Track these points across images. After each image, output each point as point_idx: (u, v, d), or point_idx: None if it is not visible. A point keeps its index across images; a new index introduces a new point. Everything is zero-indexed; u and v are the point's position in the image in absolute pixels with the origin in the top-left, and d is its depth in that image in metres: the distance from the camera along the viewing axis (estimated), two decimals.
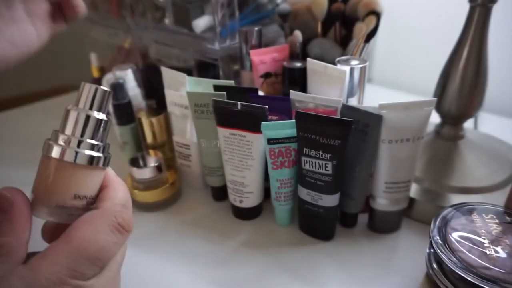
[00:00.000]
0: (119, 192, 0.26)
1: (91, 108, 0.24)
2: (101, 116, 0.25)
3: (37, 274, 0.21)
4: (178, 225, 0.49)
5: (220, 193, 0.53)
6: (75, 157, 0.23)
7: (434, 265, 0.34)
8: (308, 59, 0.46)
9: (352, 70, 0.43)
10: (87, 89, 0.24)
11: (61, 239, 0.22)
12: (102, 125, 0.25)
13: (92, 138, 0.24)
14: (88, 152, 0.24)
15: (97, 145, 0.25)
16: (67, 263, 0.21)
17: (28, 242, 0.23)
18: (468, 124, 0.52)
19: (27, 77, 1.88)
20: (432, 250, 0.34)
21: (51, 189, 0.24)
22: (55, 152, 0.23)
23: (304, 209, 0.44)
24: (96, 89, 0.24)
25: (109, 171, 0.27)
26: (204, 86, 0.49)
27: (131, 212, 0.26)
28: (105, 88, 0.24)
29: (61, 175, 0.24)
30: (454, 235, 0.33)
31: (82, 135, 0.24)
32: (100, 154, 0.25)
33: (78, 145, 0.24)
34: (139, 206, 0.51)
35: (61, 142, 0.24)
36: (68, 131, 0.24)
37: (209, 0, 0.56)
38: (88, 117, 0.24)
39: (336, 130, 0.38)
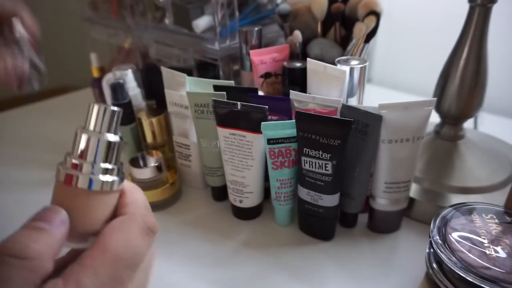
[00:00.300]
0: (138, 195, 0.26)
1: (108, 130, 0.23)
2: (114, 138, 0.23)
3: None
4: (178, 225, 0.49)
5: (220, 193, 0.53)
6: (90, 183, 0.23)
7: (434, 265, 0.34)
8: (308, 59, 0.46)
9: (352, 70, 0.43)
10: (96, 110, 0.23)
11: (96, 248, 0.22)
12: (116, 147, 0.24)
13: (107, 162, 0.23)
14: (104, 178, 0.23)
15: (112, 168, 0.24)
16: (108, 272, 0.21)
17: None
18: (468, 124, 0.52)
19: None
20: (432, 250, 0.34)
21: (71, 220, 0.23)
22: (74, 181, 0.22)
23: (304, 209, 0.44)
24: (105, 110, 0.23)
25: None
26: (204, 86, 0.49)
27: (153, 214, 0.26)
28: (115, 108, 0.23)
29: (80, 202, 0.23)
30: (454, 235, 0.33)
31: (105, 160, 0.23)
32: (115, 178, 0.24)
33: (95, 171, 0.23)
34: None
35: (82, 169, 0.23)
36: (90, 157, 0.23)
37: (209, 0, 0.56)
38: (102, 142, 0.23)
39: (336, 130, 0.38)
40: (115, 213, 0.25)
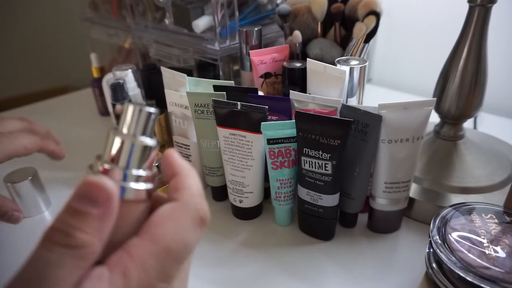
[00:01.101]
0: (193, 180, 0.23)
1: (143, 132, 0.21)
2: (150, 142, 0.21)
3: (129, 280, 0.19)
4: None
5: (220, 193, 0.53)
6: (122, 191, 0.20)
7: (434, 265, 0.34)
8: (308, 59, 0.46)
9: (351, 70, 0.43)
10: (131, 110, 0.21)
11: (144, 239, 0.20)
12: (151, 151, 0.22)
13: (141, 167, 0.21)
14: (137, 186, 0.21)
15: (147, 175, 0.22)
16: (156, 266, 0.19)
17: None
18: (468, 124, 0.52)
19: (27, 77, 1.88)
20: (431, 250, 0.34)
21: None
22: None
23: (304, 209, 0.44)
24: (141, 111, 0.21)
25: (175, 155, 0.23)
26: (204, 86, 0.49)
27: (206, 202, 0.23)
28: (152, 110, 0.21)
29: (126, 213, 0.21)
30: (454, 235, 0.33)
31: (139, 166, 0.21)
32: (149, 185, 0.22)
33: (128, 178, 0.21)
34: None
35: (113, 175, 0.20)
36: (122, 162, 0.21)
37: (209, 0, 0.56)
38: (137, 145, 0.21)
39: (336, 130, 0.38)
40: (171, 181, 0.22)
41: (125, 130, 0.21)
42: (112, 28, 0.75)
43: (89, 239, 0.18)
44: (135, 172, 0.21)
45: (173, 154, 0.23)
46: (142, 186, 0.21)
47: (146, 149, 0.21)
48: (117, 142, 0.21)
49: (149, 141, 0.21)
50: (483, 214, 0.36)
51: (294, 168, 0.43)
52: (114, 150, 0.21)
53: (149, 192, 0.22)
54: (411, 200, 0.46)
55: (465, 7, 0.45)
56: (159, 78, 0.53)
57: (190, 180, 0.23)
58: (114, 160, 0.21)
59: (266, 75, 0.52)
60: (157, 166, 0.50)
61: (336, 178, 0.40)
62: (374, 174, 0.43)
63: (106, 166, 0.20)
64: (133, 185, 0.21)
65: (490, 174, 0.48)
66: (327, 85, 0.45)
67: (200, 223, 0.22)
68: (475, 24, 0.44)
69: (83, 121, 0.78)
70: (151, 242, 0.20)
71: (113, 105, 0.58)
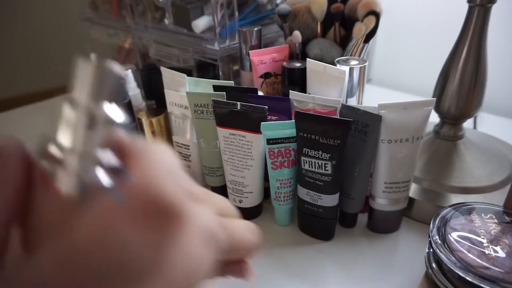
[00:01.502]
0: (153, 154, 0.16)
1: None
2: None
3: None
4: None
5: (220, 193, 0.52)
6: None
7: (434, 265, 0.34)
8: (308, 59, 0.46)
9: (351, 70, 0.43)
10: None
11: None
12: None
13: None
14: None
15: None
16: None
17: None
18: (468, 124, 0.52)
19: (27, 77, 1.88)
20: (431, 250, 0.34)
21: None
22: None
23: (304, 209, 0.44)
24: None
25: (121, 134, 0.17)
26: (203, 86, 0.49)
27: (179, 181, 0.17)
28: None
29: None
30: (453, 235, 0.33)
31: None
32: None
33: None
34: None
35: None
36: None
37: (209, 0, 0.56)
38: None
39: (336, 130, 0.38)
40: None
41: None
42: (112, 28, 0.75)
43: None
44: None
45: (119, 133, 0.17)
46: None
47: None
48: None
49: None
50: (483, 214, 0.36)
51: (294, 168, 0.43)
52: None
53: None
54: (411, 200, 0.46)
55: (464, 7, 0.45)
56: (159, 78, 0.53)
57: (145, 157, 0.16)
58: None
59: (266, 75, 0.52)
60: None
61: (336, 178, 0.40)
62: (374, 174, 0.43)
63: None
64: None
65: (490, 174, 0.48)
66: (327, 85, 0.45)
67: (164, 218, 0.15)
68: (475, 24, 0.44)
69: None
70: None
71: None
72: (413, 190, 0.47)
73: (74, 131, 0.15)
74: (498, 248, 0.32)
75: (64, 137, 0.15)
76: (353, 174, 0.42)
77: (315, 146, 0.40)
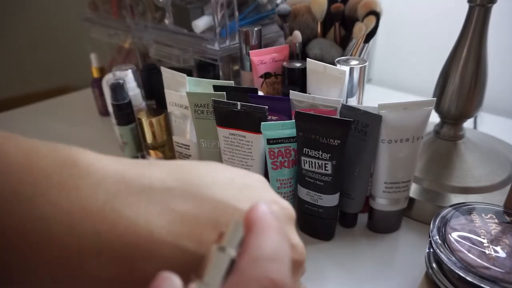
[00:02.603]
0: (265, 237, 0.18)
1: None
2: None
3: None
4: None
5: None
6: None
7: (434, 265, 0.34)
8: (308, 59, 0.46)
9: (351, 70, 0.43)
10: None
11: None
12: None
13: None
14: None
15: None
16: None
17: None
18: (468, 124, 0.52)
19: (27, 77, 1.88)
20: (431, 250, 0.34)
21: None
22: None
23: (304, 209, 0.44)
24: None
25: (259, 207, 0.19)
26: (204, 86, 0.49)
27: (286, 265, 0.17)
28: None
29: None
30: (454, 235, 0.33)
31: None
32: None
33: None
34: None
35: None
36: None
37: (209, 0, 0.56)
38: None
39: (336, 130, 0.38)
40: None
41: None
42: (112, 28, 0.75)
43: None
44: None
45: (256, 206, 0.19)
46: None
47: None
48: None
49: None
50: (483, 214, 0.36)
51: (294, 168, 0.43)
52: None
53: None
54: (411, 200, 0.46)
55: (465, 7, 0.45)
56: (159, 78, 0.53)
57: (259, 237, 0.17)
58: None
59: (266, 75, 0.52)
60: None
61: (336, 178, 0.40)
62: (374, 174, 0.43)
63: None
64: None
65: (490, 174, 0.48)
66: (327, 85, 0.45)
67: None
68: (475, 24, 0.44)
69: (83, 121, 0.78)
70: None
71: (113, 105, 0.58)
72: (413, 190, 0.47)
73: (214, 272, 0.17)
74: (498, 248, 0.32)
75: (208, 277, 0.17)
76: (353, 174, 0.42)
77: (315, 146, 0.39)
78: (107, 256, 0.17)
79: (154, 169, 0.20)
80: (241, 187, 0.21)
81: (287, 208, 0.22)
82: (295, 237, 0.21)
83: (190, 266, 0.18)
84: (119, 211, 0.18)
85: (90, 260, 0.17)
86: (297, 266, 0.21)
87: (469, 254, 0.31)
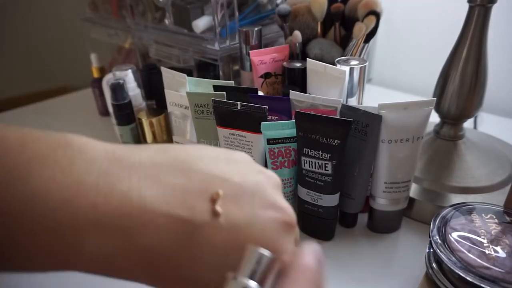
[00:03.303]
0: (307, 259, 0.19)
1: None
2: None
3: None
4: None
5: None
6: None
7: (434, 265, 0.34)
8: (308, 59, 0.46)
9: (351, 70, 0.43)
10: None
11: None
12: None
13: None
14: None
15: None
16: None
17: None
18: (468, 124, 0.52)
19: (27, 77, 1.88)
20: (431, 250, 0.34)
21: None
22: None
23: (304, 209, 0.44)
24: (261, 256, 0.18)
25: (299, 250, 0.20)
26: (204, 86, 0.49)
27: None
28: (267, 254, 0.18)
29: None
30: (454, 235, 0.33)
31: None
32: None
33: None
34: None
35: None
36: None
37: (209, 0, 0.56)
38: None
39: (336, 130, 0.38)
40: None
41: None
42: (112, 28, 0.75)
43: None
44: None
45: (304, 254, 0.20)
46: None
47: None
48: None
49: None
50: (483, 214, 0.36)
51: (294, 168, 0.43)
52: None
53: None
54: (411, 200, 0.46)
55: (465, 7, 0.45)
56: (159, 78, 0.53)
57: (301, 259, 0.19)
58: None
59: (266, 75, 0.52)
60: None
61: (336, 178, 0.40)
62: (374, 174, 0.43)
63: None
64: None
65: (490, 174, 0.48)
66: (327, 85, 0.45)
67: None
68: (475, 24, 0.44)
69: (83, 121, 0.78)
70: None
71: (113, 105, 0.58)
72: (413, 190, 0.47)
73: None
74: (498, 248, 0.32)
75: None
76: (353, 174, 0.42)
77: (315, 146, 0.40)
78: (103, 229, 0.18)
79: (141, 150, 0.21)
80: (228, 161, 0.22)
81: (273, 176, 0.23)
82: (282, 201, 0.22)
83: (187, 235, 0.19)
84: (112, 184, 0.18)
85: (87, 235, 0.17)
86: (288, 228, 0.22)
87: (469, 254, 0.31)
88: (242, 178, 0.21)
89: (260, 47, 0.54)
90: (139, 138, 0.60)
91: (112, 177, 0.18)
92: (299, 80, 0.49)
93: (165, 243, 0.18)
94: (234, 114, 0.42)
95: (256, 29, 0.52)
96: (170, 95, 0.51)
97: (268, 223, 0.20)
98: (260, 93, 0.48)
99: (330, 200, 0.42)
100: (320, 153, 0.39)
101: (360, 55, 0.49)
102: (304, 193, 0.43)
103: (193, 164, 0.21)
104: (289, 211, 0.22)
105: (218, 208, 0.19)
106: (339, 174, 0.40)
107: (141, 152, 0.20)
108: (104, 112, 0.78)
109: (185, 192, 0.19)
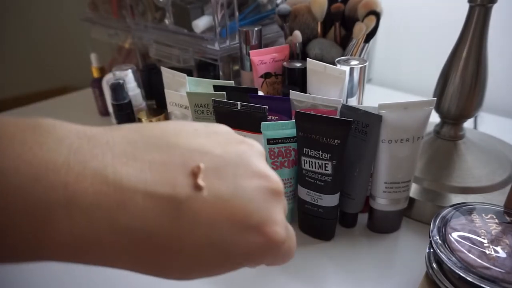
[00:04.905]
0: None
1: None
2: None
3: None
4: None
5: None
6: None
7: (434, 265, 0.34)
8: (308, 59, 0.46)
9: (351, 70, 0.43)
10: None
11: None
12: None
13: None
14: None
15: None
16: None
17: None
18: (468, 124, 0.52)
19: (27, 77, 1.89)
20: (431, 250, 0.34)
21: None
22: None
23: (304, 209, 0.44)
24: None
25: None
26: (204, 86, 0.49)
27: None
28: None
29: None
30: (454, 235, 0.33)
31: None
32: None
33: None
34: None
35: None
36: None
37: (209, 0, 0.56)
38: None
39: (336, 130, 0.38)
40: None
41: None
42: (112, 28, 0.75)
43: None
44: None
45: None
46: None
47: None
48: None
49: None
50: (483, 214, 0.36)
51: (294, 168, 0.43)
52: None
53: None
54: (411, 200, 0.46)
55: (465, 7, 0.45)
56: (159, 78, 0.53)
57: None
58: None
59: (266, 75, 0.52)
60: None
61: (336, 178, 0.40)
62: (374, 174, 0.43)
63: None
64: None
65: (490, 174, 0.48)
66: (327, 85, 0.45)
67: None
68: (475, 24, 0.44)
69: (83, 121, 0.77)
70: None
71: (113, 105, 0.58)
72: (413, 190, 0.47)
73: None
74: (498, 248, 0.32)
75: None
76: (353, 174, 0.42)
77: (315, 146, 0.39)
78: (76, 207, 0.17)
79: (114, 129, 0.20)
80: (207, 135, 0.21)
81: (255, 145, 0.23)
82: (267, 168, 0.22)
83: (170, 212, 0.18)
84: (84, 162, 0.17)
85: (59, 214, 0.16)
86: (276, 195, 0.21)
87: (469, 254, 0.31)
88: (224, 149, 0.20)
89: (260, 47, 0.54)
90: None
91: (84, 155, 0.17)
92: (299, 80, 0.49)
93: (148, 222, 0.18)
94: (234, 114, 0.42)
95: (256, 29, 0.52)
96: (170, 95, 0.51)
97: (255, 192, 0.20)
98: (260, 93, 0.48)
99: (330, 200, 0.42)
100: (320, 153, 0.39)
101: (360, 55, 0.49)
102: (304, 193, 0.43)
103: (170, 140, 0.20)
104: (275, 178, 0.21)
105: (200, 181, 0.18)
106: (339, 174, 0.40)
107: (113, 131, 0.19)
108: (104, 112, 0.78)
109: (164, 168, 0.18)
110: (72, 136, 0.18)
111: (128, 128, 0.20)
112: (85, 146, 0.18)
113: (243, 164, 0.20)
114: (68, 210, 0.16)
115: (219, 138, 0.21)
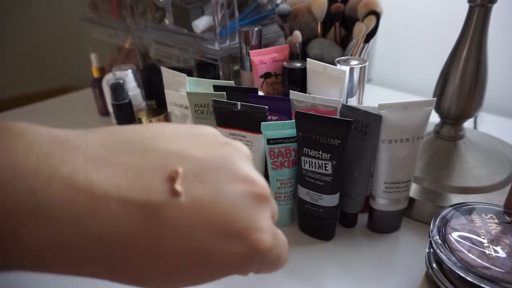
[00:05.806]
0: None
1: None
2: None
3: None
4: None
5: None
6: None
7: (434, 265, 0.34)
8: (308, 59, 0.46)
9: (351, 70, 0.43)
10: None
11: None
12: None
13: None
14: None
15: None
16: None
17: None
18: (468, 124, 0.52)
19: (27, 77, 1.89)
20: (431, 250, 0.34)
21: None
22: None
23: (304, 209, 0.44)
24: None
25: None
26: (204, 86, 0.49)
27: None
28: None
29: None
30: (454, 235, 0.33)
31: None
32: None
33: None
34: None
35: None
36: None
37: (209, 0, 0.56)
38: None
39: (336, 130, 0.38)
40: None
41: None
42: (112, 28, 0.76)
43: None
44: None
45: None
46: None
47: None
48: None
49: None
50: (483, 214, 0.36)
51: (294, 168, 0.43)
52: None
53: None
54: (411, 200, 0.46)
55: (465, 7, 0.45)
56: (159, 78, 0.53)
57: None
58: None
59: (266, 75, 0.52)
60: None
61: (336, 178, 0.40)
62: (374, 174, 0.43)
63: None
64: None
65: (490, 174, 0.48)
66: (327, 85, 0.45)
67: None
68: (475, 24, 0.44)
69: (83, 121, 0.78)
70: None
71: (113, 105, 0.58)
72: (413, 190, 0.47)
73: None
74: (498, 248, 0.32)
75: None
76: (353, 174, 0.42)
77: (315, 146, 0.40)
78: (44, 214, 0.16)
79: (89, 133, 0.19)
80: (188, 137, 0.20)
81: (241, 148, 0.21)
82: (253, 172, 0.21)
83: (145, 220, 0.17)
84: (53, 168, 0.16)
85: (25, 221, 0.16)
86: (261, 201, 0.20)
87: (469, 254, 0.31)
88: (205, 152, 0.19)
89: (260, 47, 0.54)
90: None
91: (55, 160, 0.16)
92: (299, 80, 0.49)
93: (120, 229, 0.17)
94: (234, 114, 0.42)
95: (256, 29, 0.52)
96: (170, 95, 0.51)
97: (238, 197, 0.19)
98: (260, 93, 0.48)
99: (330, 200, 0.42)
100: (320, 153, 0.39)
101: (360, 55, 0.49)
102: (304, 193, 0.43)
103: (148, 143, 0.19)
104: (260, 182, 0.20)
105: (178, 186, 0.17)
106: (339, 174, 0.40)
107: (88, 135, 0.18)
108: (104, 112, 0.78)
109: (139, 173, 0.18)
110: (42, 141, 0.17)
111: (104, 131, 0.19)
112: (56, 151, 0.17)
113: (226, 168, 0.19)
114: (35, 217, 0.16)
115: (201, 140, 0.20)
